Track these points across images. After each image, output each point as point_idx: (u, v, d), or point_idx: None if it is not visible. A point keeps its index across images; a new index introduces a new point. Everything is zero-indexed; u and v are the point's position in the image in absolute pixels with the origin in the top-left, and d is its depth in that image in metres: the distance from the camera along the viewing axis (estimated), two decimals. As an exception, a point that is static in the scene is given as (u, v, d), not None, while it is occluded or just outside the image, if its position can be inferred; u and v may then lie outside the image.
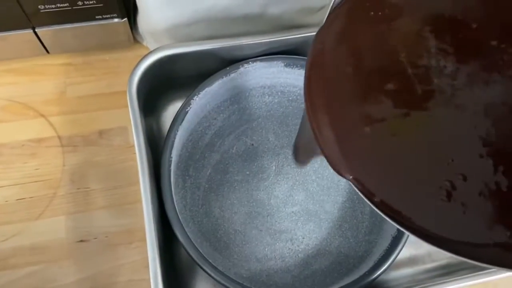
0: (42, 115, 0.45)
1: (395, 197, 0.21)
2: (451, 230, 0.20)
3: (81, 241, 0.41)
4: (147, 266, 0.41)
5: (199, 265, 0.37)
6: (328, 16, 0.25)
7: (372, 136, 0.22)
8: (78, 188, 0.43)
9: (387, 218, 0.21)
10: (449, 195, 0.20)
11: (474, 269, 0.39)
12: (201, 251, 0.37)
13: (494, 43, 0.22)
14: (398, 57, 0.23)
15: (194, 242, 0.37)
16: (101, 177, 0.43)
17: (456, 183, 0.20)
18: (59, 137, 0.44)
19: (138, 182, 0.43)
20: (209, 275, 0.36)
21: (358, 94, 0.23)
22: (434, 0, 0.24)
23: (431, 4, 0.24)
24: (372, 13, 0.24)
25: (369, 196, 0.21)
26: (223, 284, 0.37)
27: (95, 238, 0.41)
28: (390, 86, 0.22)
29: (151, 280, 0.33)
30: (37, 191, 0.42)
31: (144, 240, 0.42)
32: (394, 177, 0.22)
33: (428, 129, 0.22)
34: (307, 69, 0.24)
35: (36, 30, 0.41)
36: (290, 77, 0.45)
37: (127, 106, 0.45)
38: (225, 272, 0.37)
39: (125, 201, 0.43)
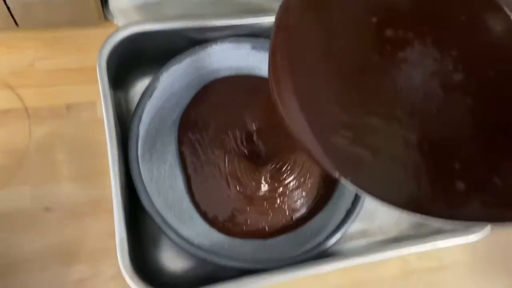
0: (9, 87, 0.45)
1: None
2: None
3: (47, 209, 0.42)
4: (112, 235, 0.42)
5: (164, 232, 0.38)
6: None
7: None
8: (45, 159, 0.43)
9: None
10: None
11: (420, 240, 0.42)
12: (166, 220, 0.39)
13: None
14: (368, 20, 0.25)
15: (160, 212, 0.39)
16: (68, 149, 0.44)
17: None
18: (26, 108, 0.44)
19: (105, 155, 0.45)
20: (174, 242, 0.38)
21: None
22: None
23: None
24: None
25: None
26: (187, 251, 0.38)
27: (61, 208, 0.42)
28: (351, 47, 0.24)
29: (117, 245, 0.34)
30: (2, 161, 0.43)
31: (111, 211, 0.43)
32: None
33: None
34: (273, 33, 0.25)
35: (6, 0, 0.41)
36: (257, 60, 0.48)
37: (95, 82, 0.46)
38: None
39: (92, 173, 0.44)
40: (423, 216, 0.21)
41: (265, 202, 0.45)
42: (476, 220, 0.22)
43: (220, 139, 0.45)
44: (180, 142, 0.45)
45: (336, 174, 0.22)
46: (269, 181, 0.45)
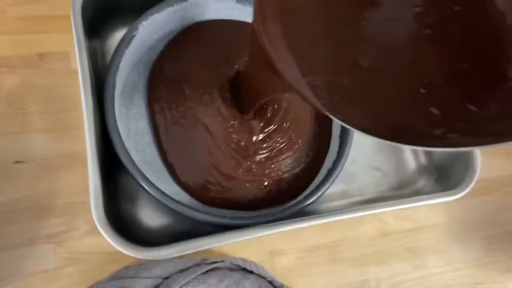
0: (-23, 33, 0.42)
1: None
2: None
3: (17, 162, 0.40)
4: (87, 190, 0.41)
5: (142, 186, 0.37)
6: None
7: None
8: (15, 110, 0.41)
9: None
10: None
11: (398, 201, 0.42)
12: (144, 174, 0.38)
13: None
14: None
15: (137, 166, 0.38)
16: (40, 100, 0.42)
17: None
18: (-5, 56, 0.42)
19: (80, 108, 0.43)
20: (152, 195, 0.37)
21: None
22: None
23: None
24: None
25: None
26: (166, 205, 0.38)
27: (33, 160, 0.41)
28: None
29: (91, 194, 0.33)
30: (-30, 110, 0.41)
31: (85, 165, 0.41)
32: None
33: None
34: None
35: None
36: (241, 15, 0.46)
37: (70, 31, 0.44)
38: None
39: (66, 126, 0.42)
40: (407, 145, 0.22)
41: (251, 164, 0.43)
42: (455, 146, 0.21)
43: (196, 89, 0.43)
44: (150, 98, 0.43)
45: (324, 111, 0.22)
46: (253, 134, 0.43)
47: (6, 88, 0.42)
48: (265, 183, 0.43)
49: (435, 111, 0.22)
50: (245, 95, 0.40)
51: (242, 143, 0.43)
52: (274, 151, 0.44)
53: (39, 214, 0.40)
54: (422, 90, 0.22)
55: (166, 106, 0.42)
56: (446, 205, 0.49)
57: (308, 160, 0.44)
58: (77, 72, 0.43)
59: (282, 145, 0.44)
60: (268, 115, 0.43)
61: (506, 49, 0.23)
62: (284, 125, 0.44)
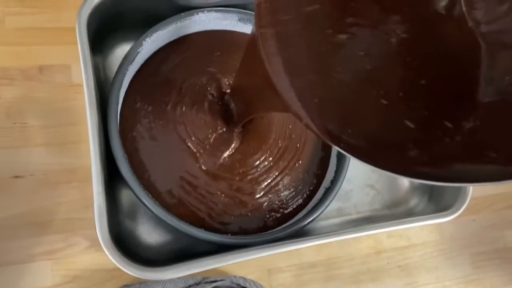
0: (-24, 43, 0.42)
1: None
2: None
3: (16, 176, 0.40)
4: (87, 206, 0.41)
5: (145, 204, 0.37)
6: None
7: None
8: (14, 123, 0.41)
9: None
10: None
11: (392, 221, 0.43)
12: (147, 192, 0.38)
13: None
14: None
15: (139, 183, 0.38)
16: (40, 114, 0.42)
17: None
18: (-6, 68, 0.41)
19: (80, 122, 0.43)
20: (152, 211, 0.37)
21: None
22: None
23: None
24: None
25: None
26: (167, 223, 0.37)
27: (32, 175, 0.40)
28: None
29: (95, 213, 0.33)
30: (-33, 123, 0.40)
31: (85, 180, 0.42)
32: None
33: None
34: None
35: None
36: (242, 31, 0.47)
37: (71, 44, 0.44)
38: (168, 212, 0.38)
39: (66, 141, 0.42)
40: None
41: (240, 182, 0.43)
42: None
43: (188, 97, 0.43)
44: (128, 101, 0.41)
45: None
46: (239, 151, 0.43)
47: (5, 100, 0.41)
48: (263, 203, 0.43)
49: (410, 124, 0.25)
50: (238, 108, 0.40)
51: (230, 160, 0.43)
52: (271, 172, 0.44)
53: (37, 230, 0.39)
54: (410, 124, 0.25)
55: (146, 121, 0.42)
56: (436, 223, 0.51)
57: (307, 179, 0.45)
58: (77, 85, 0.43)
59: (277, 165, 0.44)
60: (262, 133, 0.44)
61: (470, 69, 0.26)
62: (280, 144, 0.45)
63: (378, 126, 0.26)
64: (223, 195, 0.42)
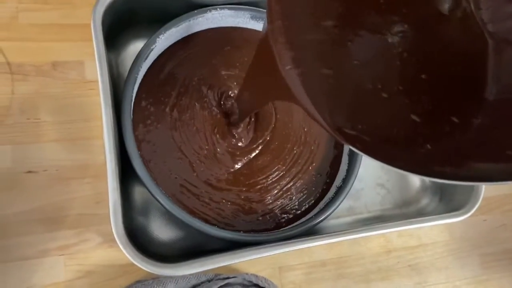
0: (-10, 39, 0.42)
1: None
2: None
3: (29, 172, 0.40)
4: (100, 202, 0.41)
5: (158, 200, 0.37)
6: None
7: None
8: (28, 119, 0.41)
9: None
10: None
11: (402, 220, 0.43)
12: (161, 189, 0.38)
13: None
14: None
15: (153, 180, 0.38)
16: (53, 110, 0.42)
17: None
18: (8, 63, 0.41)
19: (93, 118, 0.43)
20: (164, 207, 0.37)
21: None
22: None
23: None
24: None
25: None
26: (180, 219, 0.37)
27: (45, 171, 0.40)
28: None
29: (111, 209, 0.33)
30: (-18, 118, 0.40)
31: (97, 176, 0.42)
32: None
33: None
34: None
35: None
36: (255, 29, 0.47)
37: (85, 40, 0.44)
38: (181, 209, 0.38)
39: (79, 136, 0.42)
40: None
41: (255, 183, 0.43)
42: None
43: (193, 95, 0.43)
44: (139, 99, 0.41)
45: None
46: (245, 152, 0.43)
47: (18, 96, 0.41)
48: (274, 208, 0.43)
49: (415, 118, 0.25)
50: (243, 102, 0.40)
51: (233, 175, 0.43)
52: (283, 180, 0.44)
53: (50, 226, 0.39)
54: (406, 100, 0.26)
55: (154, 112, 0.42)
56: (447, 223, 0.51)
57: (319, 180, 0.45)
58: (91, 82, 0.43)
59: (290, 171, 0.44)
60: (278, 144, 0.44)
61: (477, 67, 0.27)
62: (295, 151, 0.45)
63: (386, 121, 0.26)
64: (229, 203, 0.42)
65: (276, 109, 0.45)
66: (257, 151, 0.44)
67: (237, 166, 0.43)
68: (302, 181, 0.44)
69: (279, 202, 0.43)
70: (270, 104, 0.45)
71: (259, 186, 0.43)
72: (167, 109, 0.42)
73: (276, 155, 0.44)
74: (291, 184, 0.44)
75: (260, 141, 0.44)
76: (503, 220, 0.53)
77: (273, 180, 0.44)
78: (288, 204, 0.43)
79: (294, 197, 0.44)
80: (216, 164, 0.42)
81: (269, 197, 0.43)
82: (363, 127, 0.25)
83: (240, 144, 0.43)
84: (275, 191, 0.43)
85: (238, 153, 0.43)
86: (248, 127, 0.44)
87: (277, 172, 0.44)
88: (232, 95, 0.44)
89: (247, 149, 0.44)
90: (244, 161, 0.43)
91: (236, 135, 0.43)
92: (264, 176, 0.44)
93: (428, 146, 0.25)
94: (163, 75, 0.42)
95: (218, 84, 0.44)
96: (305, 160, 0.45)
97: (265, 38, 0.26)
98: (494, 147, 0.24)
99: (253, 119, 0.44)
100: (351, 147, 0.24)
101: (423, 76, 0.27)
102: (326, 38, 0.27)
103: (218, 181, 0.42)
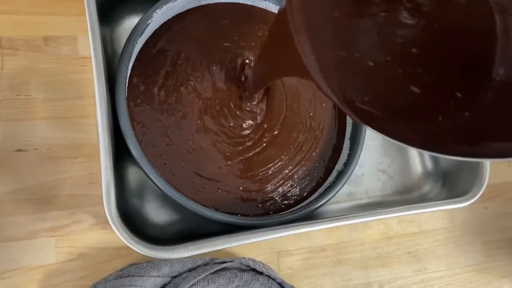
0: (-22, 11, 0.40)
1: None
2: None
3: (19, 150, 0.38)
4: (93, 183, 0.40)
5: (149, 177, 0.36)
6: None
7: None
8: (18, 95, 0.39)
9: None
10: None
11: (405, 207, 0.42)
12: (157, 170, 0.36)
13: None
14: None
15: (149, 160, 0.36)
16: (45, 86, 0.40)
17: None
18: (-2, 36, 0.40)
19: (86, 96, 0.42)
20: (160, 188, 0.36)
21: None
22: None
23: None
24: None
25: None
26: (176, 202, 0.36)
27: (36, 149, 0.39)
28: None
29: (103, 189, 0.32)
30: (-31, 93, 0.38)
31: (91, 156, 0.40)
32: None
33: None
34: None
35: None
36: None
37: (77, 14, 0.42)
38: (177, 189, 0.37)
39: (71, 115, 0.40)
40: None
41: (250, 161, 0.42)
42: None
43: (179, 75, 0.40)
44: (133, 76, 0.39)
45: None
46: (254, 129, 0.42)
47: (8, 70, 0.40)
48: (275, 196, 0.42)
49: (415, 89, 0.25)
50: (256, 75, 0.39)
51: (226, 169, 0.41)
52: (285, 169, 0.42)
53: (41, 206, 0.38)
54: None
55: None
56: (448, 210, 0.50)
57: (321, 165, 0.44)
58: (84, 58, 0.42)
59: (293, 160, 0.43)
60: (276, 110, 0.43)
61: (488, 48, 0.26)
62: (300, 138, 0.44)
63: (389, 91, 0.26)
64: (226, 192, 0.40)
65: (287, 95, 0.44)
66: (257, 149, 0.42)
67: (231, 162, 0.41)
68: (305, 168, 0.43)
69: (280, 190, 0.42)
70: (282, 89, 0.44)
71: (259, 177, 0.42)
72: (155, 89, 0.39)
73: (281, 147, 0.43)
74: (293, 172, 0.43)
75: (266, 135, 0.42)
76: (506, 207, 0.52)
77: (275, 170, 0.42)
78: (289, 191, 0.42)
79: (296, 184, 0.42)
80: (205, 158, 0.40)
81: (270, 186, 0.42)
82: (369, 98, 0.25)
83: (244, 127, 0.41)
84: (276, 180, 0.42)
85: (232, 149, 0.41)
86: (257, 107, 0.42)
87: (280, 163, 0.42)
88: (230, 67, 0.42)
89: (246, 147, 0.42)
90: (240, 159, 0.41)
91: (245, 113, 0.41)
92: (264, 168, 0.42)
93: (441, 119, 0.25)
94: (155, 50, 0.40)
95: (212, 59, 0.42)
96: (309, 147, 0.44)
97: (283, 14, 0.26)
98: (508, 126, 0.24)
99: (264, 102, 0.42)
100: (366, 126, 0.24)
101: (413, 50, 0.27)
102: (339, 17, 0.27)
103: (210, 174, 0.40)
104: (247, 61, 0.42)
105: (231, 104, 0.41)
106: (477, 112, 0.25)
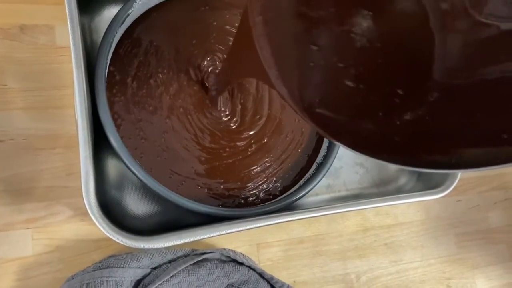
0: (-49, -3, 0.39)
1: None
2: None
3: (-5, 141, 0.38)
4: (71, 174, 0.39)
5: (129, 168, 0.35)
6: None
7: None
8: (-6, 84, 0.38)
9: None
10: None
11: (381, 198, 0.43)
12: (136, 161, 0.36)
13: None
14: None
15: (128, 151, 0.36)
16: (21, 76, 0.39)
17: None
18: (-29, 24, 0.39)
19: (64, 86, 0.41)
20: (140, 179, 0.36)
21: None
22: None
23: None
24: None
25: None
26: (156, 193, 0.36)
27: (11, 140, 0.38)
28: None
29: (82, 179, 0.31)
30: None
31: (69, 147, 0.40)
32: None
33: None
34: None
35: None
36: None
37: (55, 4, 0.42)
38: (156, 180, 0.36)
39: (49, 105, 0.39)
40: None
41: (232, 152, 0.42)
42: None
43: (150, 66, 0.39)
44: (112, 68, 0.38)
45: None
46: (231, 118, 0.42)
47: (-18, 59, 0.39)
48: (258, 191, 0.42)
49: (350, 83, 0.27)
50: (224, 73, 0.39)
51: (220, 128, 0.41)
52: (270, 168, 0.43)
53: (17, 198, 0.37)
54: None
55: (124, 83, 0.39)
56: (423, 203, 0.51)
57: (304, 159, 0.44)
58: (62, 48, 0.41)
59: (279, 159, 0.43)
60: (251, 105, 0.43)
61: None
62: (288, 138, 0.44)
63: (332, 90, 0.27)
64: (206, 189, 0.40)
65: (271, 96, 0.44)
66: (239, 157, 0.42)
67: (207, 166, 0.40)
68: (289, 164, 0.44)
69: (263, 186, 0.42)
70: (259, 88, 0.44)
71: (241, 176, 0.42)
72: (129, 80, 0.39)
73: (268, 150, 0.43)
74: (277, 170, 0.43)
75: (253, 145, 0.42)
76: (477, 201, 0.53)
77: (259, 170, 0.42)
78: (271, 187, 0.42)
79: (279, 179, 0.43)
80: (179, 158, 0.39)
81: (252, 184, 0.42)
82: (320, 99, 0.26)
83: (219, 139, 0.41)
84: (259, 179, 0.42)
85: (206, 156, 0.40)
86: (227, 108, 0.42)
87: (264, 164, 0.43)
88: (202, 61, 0.41)
89: (225, 156, 0.41)
90: (218, 164, 0.41)
91: (213, 113, 0.41)
92: (247, 170, 0.42)
93: (381, 115, 0.26)
94: (132, 39, 0.40)
95: (186, 50, 0.41)
96: (296, 144, 0.44)
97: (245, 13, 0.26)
98: (477, 131, 0.24)
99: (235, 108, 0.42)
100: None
101: (358, 44, 0.27)
102: (298, 19, 0.28)
103: (186, 173, 0.39)
104: (210, 60, 0.42)
105: (198, 108, 0.41)
106: (432, 114, 0.26)
